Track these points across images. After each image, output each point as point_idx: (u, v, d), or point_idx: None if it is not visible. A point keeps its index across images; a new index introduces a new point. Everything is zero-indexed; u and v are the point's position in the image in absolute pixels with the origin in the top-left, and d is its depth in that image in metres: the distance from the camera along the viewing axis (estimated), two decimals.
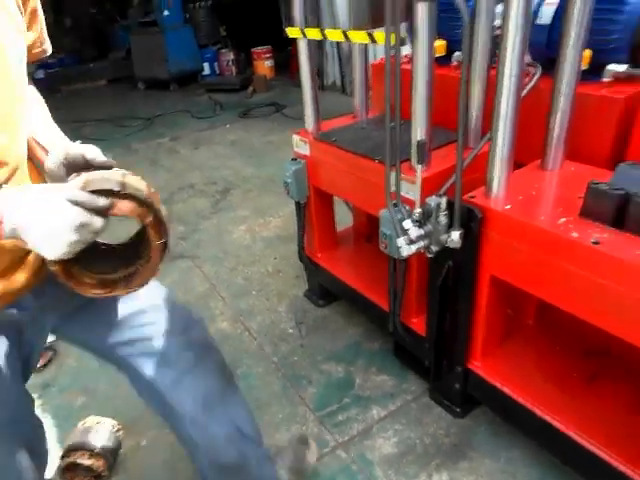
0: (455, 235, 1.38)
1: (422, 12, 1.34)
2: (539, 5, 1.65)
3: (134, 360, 1.15)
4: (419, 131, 1.51)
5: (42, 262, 0.97)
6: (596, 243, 1.18)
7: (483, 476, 1.64)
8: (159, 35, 7.01)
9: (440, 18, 1.44)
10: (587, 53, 1.49)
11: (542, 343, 1.77)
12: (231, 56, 7.29)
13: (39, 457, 1.20)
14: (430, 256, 1.50)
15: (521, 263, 1.36)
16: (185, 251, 3.13)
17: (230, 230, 3.33)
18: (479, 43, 1.54)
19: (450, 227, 1.41)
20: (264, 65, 7.19)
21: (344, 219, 2.57)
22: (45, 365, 2.26)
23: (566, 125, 1.45)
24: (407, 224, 1.44)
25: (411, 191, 1.55)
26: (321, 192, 2.14)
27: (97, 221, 0.78)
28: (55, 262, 0.82)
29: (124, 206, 0.82)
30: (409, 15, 1.39)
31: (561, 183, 1.49)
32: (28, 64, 0.96)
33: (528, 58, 1.71)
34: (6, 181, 0.88)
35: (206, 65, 7.52)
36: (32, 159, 1.01)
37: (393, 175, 1.49)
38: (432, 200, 1.39)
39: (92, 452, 1.73)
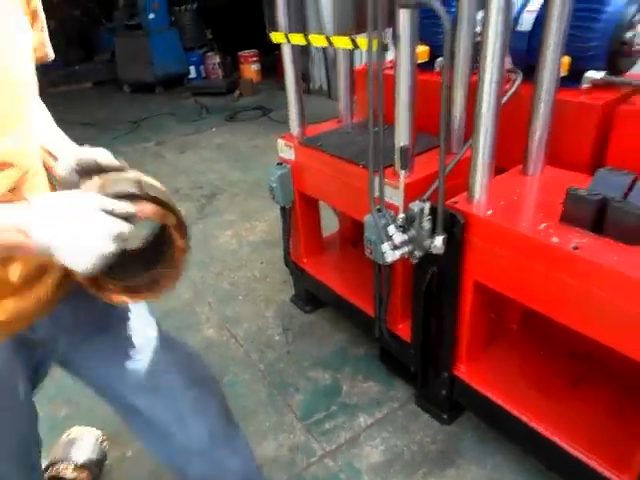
0: (438, 240, 1.38)
1: (404, 19, 1.34)
2: (520, 12, 1.67)
3: (136, 395, 1.11)
4: (402, 137, 1.51)
5: (60, 280, 0.95)
6: (576, 248, 1.19)
7: None
8: (144, 38, 6.97)
9: (423, 24, 1.45)
10: (566, 60, 1.51)
11: (526, 348, 1.78)
12: (217, 59, 7.27)
13: (41, 474, 1.18)
14: (414, 262, 1.51)
15: (503, 268, 1.37)
16: None
17: (216, 235, 3.31)
18: (461, 49, 1.55)
19: (433, 232, 1.41)
20: (250, 69, 7.18)
21: (330, 224, 2.56)
22: None
23: (546, 131, 1.47)
24: (391, 230, 1.44)
25: (395, 196, 1.55)
26: (306, 197, 2.13)
27: (127, 228, 0.77)
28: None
29: (147, 209, 0.81)
30: (392, 21, 1.39)
31: (542, 188, 1.50)
32: None
33: (509, 64, 1.73)
34: (18, 185, 0.85)
35: (192, 68, 7.50)
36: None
37: (377, 180, 1.49)
38: (415, 205, 1.39)
39: (76, 465, 1.70)
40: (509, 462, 1.68)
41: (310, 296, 2.45)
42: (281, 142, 2.06)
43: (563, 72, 1.50)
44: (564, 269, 1.21)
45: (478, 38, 1.45)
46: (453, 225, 1.40)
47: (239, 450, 1.25)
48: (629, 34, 1.50)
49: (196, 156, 4.78)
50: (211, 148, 4.96)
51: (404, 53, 1.39)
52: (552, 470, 1.55)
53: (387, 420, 1.89)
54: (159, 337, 1.15)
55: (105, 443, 1.83)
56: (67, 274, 0.84)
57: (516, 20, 1.68)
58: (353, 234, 2.45)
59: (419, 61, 1.73)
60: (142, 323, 1.13)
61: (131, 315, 1.11)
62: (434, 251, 1.41)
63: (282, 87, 2.03)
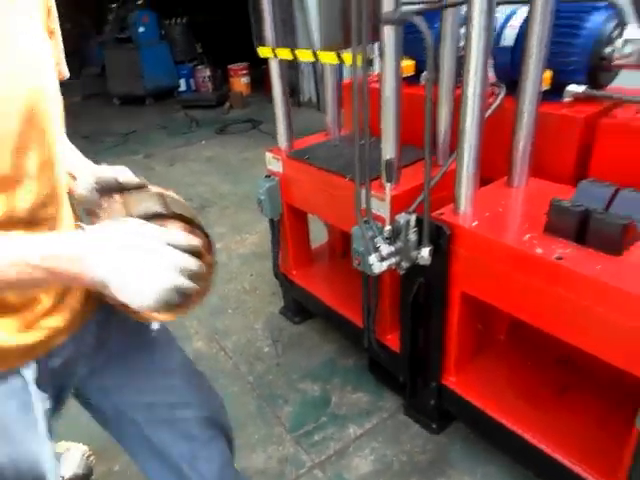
0: (425, 252, 1.40)
1: (389, 34, 1.37)
2: (502, 28, 1.70)
3: (149, 426, 1.06)
4: (388, 150, 1.53)
5: (83, 304, 0.91)
6: (559, 259, 1.20)
7: None
8: (134, 51, 7.00)
9: (409, 39, 1.48)
10: (548, 74, 1.54)
11: (514, 357, 1.79)
12: (207, 72, 7.30)
13: None
14: (401, 273, 1.52)
15: (489, 279, 1.39)
16: None
17: None
18: (445, 64, 1.58)
19: (420, 244, 1.42)
20: (240, 82, 7.22)
21: (319, 235, 2.57)
22: None
23: (530, 143, 1.49)
24: (378, 241, 1.46)
25: (382, 208, 1.56)
26: (295, 209, 2.15)
27: (196, 265, 0.72)
28: None
29: (172, 228, 0.79)
30: (377, 37, 1.42)
31: (527, 200, 1.52)
32: None
33: (493, 78, 1.76)
34: (45, 202, 0.81)
35: (182, 81, 7.52)
36: None
37: (363, 193, 1.51)
38: (401, 217, 1.40)
39: None
40: (499, 471, 1.69)
41: (299, 307, 2.45)
42: (269, 155, 2.07)
43: (546, 86, 1.54)
44: (548, 279, 1.23)
45: (462, 52, 1.48)
46: (439, 236, 1.42)
47: None
48: (608, 49, 1.54)
49: (186, 169, 4.78)
50: (201, 161, 4.97)
51: (389, 68, 1.41)
52: (540, 478, 1.55)
53: (376, 430, 1.89)
54: (185, 363, 1.12)
55: (92, 458, 1.81)
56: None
57: (499, 35, 1.72)
58: (342, 245, 2.47)
59: (405, 75, 1.76)
60: (171, 347, 1.10)
61: (159, 336, 1.06)
62: (421, 262, 1.42)
63: (271, 100, 2.05)
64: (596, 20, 1.54)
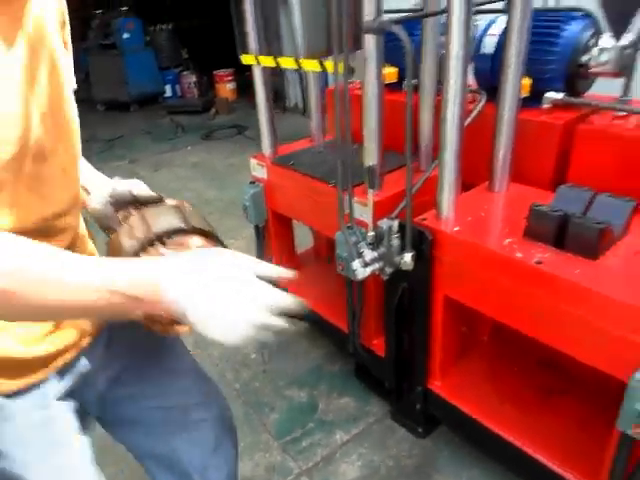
0: (407, 257, 1.41)
1: (370, 43, 1.39)
2: (482, 35, 1.73)
3: (162, 433, 1.05)
4: (370, 156, 1.54)
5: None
6: (539, 263, 1.22)
7: None
8: (119, 57, 6.96)
9: (391, 47, 1.50)
10: (527, 82, 1.57)
11: (498, 359, 1.81)
12: (193, 78, 7.29)
13: None
14: (385, 278, 1.53)
15: (471, 283, 1.40)
16: None
17: None
18: (426, 71, 1.60)
19: (403, 249, 1.44)
20: (226, 87, 7.22)
21: (305, 240, 2.58)
22: None
23: (510, 149, 1.52)
24: (362, 247, 1.47)
25: (365, 214, 1.58)
26: (279, 215, 2.15)
27: (293, 303, 0.69)
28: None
29: (194, 243, 0.78)
30: (358, 45, 1.43)
31: (507, 205, 1.55)
32: None
33: (474, 85, 1.79)
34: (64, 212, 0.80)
35: (168, 87, 7.50)
36: None
37: (347, 198, 1.52)
38: (384, 223, 1.42)
39: None
40: (484, 475, 1.70)
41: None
42: (253, 161, 2.08)
43: (525, 93, 1.56)
44: (528, 283, 1.25)
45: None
46: (422, 242, 1.43)
47: None
48: (585, 57, 1.57)
49: (171, 174, 4.77)
50: (186, 166, 4.96)
51: (371, 76, 1.43)
52: None
53: (363, 436, 1.90)
54: (193, 363, 1.12)
55: None
56: None
57: (479, 43, 1.75)
58: (327, 250, 2.47)
59: (388, 82, 1.78)
60: (180, 348, 1.10)
61: (168, 339, 1.06)
62: (404, 267, 1.43)
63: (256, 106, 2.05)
64: (573, 29, 1.58)
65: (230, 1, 5.36)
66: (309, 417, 2.00)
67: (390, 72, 1.83)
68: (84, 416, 0.94)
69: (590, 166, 1.52)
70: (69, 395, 0.89)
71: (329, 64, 1.45)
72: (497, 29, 1.70)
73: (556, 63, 1.57)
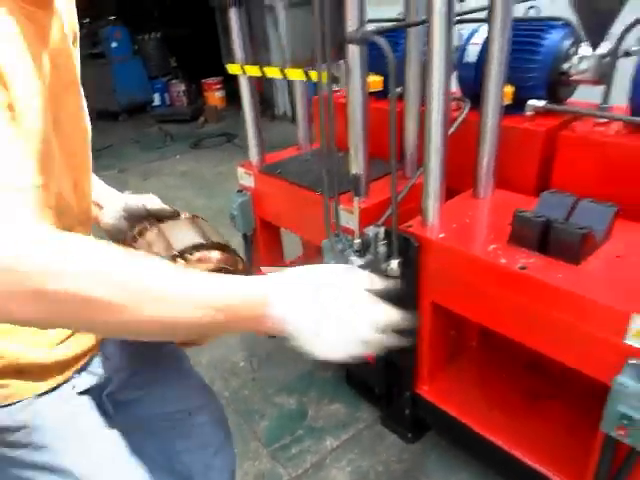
0: (394, 264, 1.42)
1: (353, 53, 1.40)
2: (466, 44, 1.76)
3: (166, 438, 1.07)
4: (355, 164, 1.56)
5: None
6: (523, 268, 1.24)
7: None
8: (107, 67, 6.95)
9: (377, 55, 1.51)
10: (510, 89, 1.60)
11: (486, 364, 1.82)
12: (182, 87, 7.29)
13: None
14: None
15: (457, 289, 1.42)
16: None
17: None
18: (410, 79, 1.62)
19: (389, 256, 1.45)
20: (215, 95, 7.23)
21: (294, 248, 2.58)
22: None
23: (493, 156, 1.54)
24: (348, 254, 1.48)
25: (351, 221, 1.59)
26: (267, 224, 2.16)
27: (404, 319, 0.69)
28: None
29: (215, 257, 0.79)
30: (342, 54, 1.45)
31: (492, 211, 1.57)
32: None
33: (458, 93, 1.82)
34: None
35: (156, 96, 7.50)
36: None
37: (333, 206, 1.53)
38: (370, 230, 1.43)
39: None
40: (472, 478, 1.71)
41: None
42: (241, 170, 2.09)
43: (508, 100, 1.59)
44: (513, 288, 1.26)
45: None
46: (408, 249, 1.45)
47: None
48: (566, 65, 1.60)
49: (160, 183, 4.76)
50: (175, 175, 4.95)
51: (355, 85, 1.45)
52: None
53: (353, 442, 1.90)
54: (192, 367, 1.15)
55: None
56: None
57: (463, 52, 1.78)
58: (317, 259, 2.48)
59: (374, 90, 1.80)
60: (181, 353, 1.13)
61: (177, 350, 1.09)
62: (391, 274, 1.44)
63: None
64: (554, 38, 1.61)
65: (215, 11, 5.38)
66: (299, 424, 2.00)
67: (375, 80, 1.85)
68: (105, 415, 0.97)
69: (572, 172, 1.55)
70: (90, 394, 0.92)
71: (313, 73, 1.46)
72: (480, 38, 1.73)
73: (538, 71, 1.60)
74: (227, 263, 0.80)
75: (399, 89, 1.71)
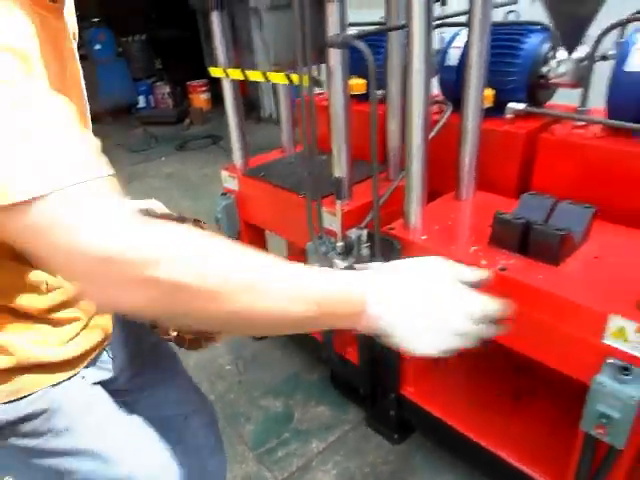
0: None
1: (334, 56, 1.41)
2: (447, 48, 1.78)
3: (165, 441, 1.06)
4: (338, 167, 1.56)
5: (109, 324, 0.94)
6: (503, 269, 1.25)
7: None
8: (90, 69, 6.89)
9: (359, 58, 1.52)
10: (490, 92, 1.61)
11: (470, 364, 1.84)
12: (167, 89, 7.25)
13: None
14: None
15: None
16: None
17: None
18: (392, 82, 1.63)
19: (372, 258, 1.46)
20: (200, 98, 7.19)
21: (279, 251, 2.58)
22: None
23: (475, 158, 1.55)
24: (332, 256, 1.48)
25: (334, 224, 1.59)
26: (252, 226, 2.15)
27: (496, 309, 0.68)
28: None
29: None
30: (323, 58, 1.45)
31: (473, 213, 1.58)
32: None
33: (440, 96, 1.83)
34: None
35: (141, 98, 7.44)
36: None
37: (316, 209, 1.54)
38: (353, 233, 1.44)
39: None
40: (458, 479, 1.72)
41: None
42: (225, 173, 2.08)
43: (488, 103, 1.61)
44: (493, 289, 1.27)
45: None
46: (391, 251, 1.45)
47: None
48: (545, 68, 1.63)
49: (144, 185, 4.72)
50: (160, 177, 4.92)
51: (337, 88, 1.45)
52: None
53: (339, 444, 1.90)
54: (184, 369, 1.17)
55: None
56: None
57: (445, 55, 1.79)
58: (302, 260, 2.48)
59: (357, 93, 1.81)
60: (175, 356, 1.16)
61: (167, 348, 1.11)
62: None
63: None
64: (533, 42, 1.63)
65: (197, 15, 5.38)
66: (285, 427, 2.00)
67: (358, 83, 1.85)
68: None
69: (552, 174, 1.57)
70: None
71: (295, 77, 1.47)
72: (461, 42, 1.74)
73: (517, 74, 1.62)
74: None
75: (381, 92, 1.72)
